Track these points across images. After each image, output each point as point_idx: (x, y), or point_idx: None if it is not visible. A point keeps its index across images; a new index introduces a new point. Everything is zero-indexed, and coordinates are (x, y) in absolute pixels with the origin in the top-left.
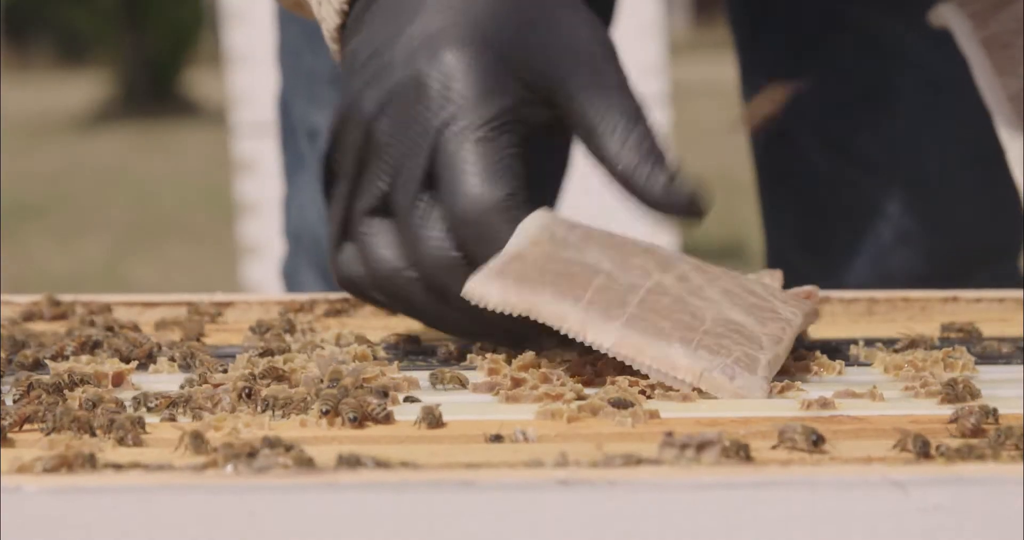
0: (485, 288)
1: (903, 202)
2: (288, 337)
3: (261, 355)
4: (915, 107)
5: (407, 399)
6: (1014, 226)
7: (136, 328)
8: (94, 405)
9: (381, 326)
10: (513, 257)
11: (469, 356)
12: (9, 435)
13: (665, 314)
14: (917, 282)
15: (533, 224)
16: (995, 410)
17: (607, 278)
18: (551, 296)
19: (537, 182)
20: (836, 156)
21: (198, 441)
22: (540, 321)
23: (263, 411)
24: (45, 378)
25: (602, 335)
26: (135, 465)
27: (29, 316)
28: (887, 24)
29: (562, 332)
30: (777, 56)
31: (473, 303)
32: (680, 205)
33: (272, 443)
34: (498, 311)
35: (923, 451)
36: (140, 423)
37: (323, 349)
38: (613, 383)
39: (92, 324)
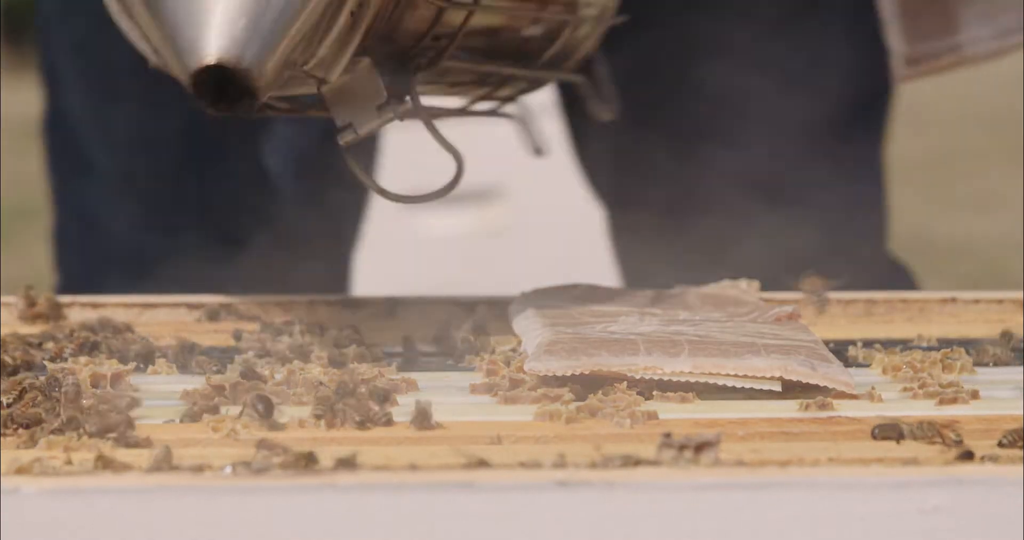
0: (545, 364)
1: None
2: (287, 338)
3: (258, 356)
4: None
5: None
6: None
7: (135, 330)
8: (92, 406)
9: (380, 327)
10: (550, 342)
11: (468, 357)
12: (8, 436)
13: (717, 341)
14: None
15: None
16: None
17: (643, 335)
18: (609, 353)
19: None
20: None
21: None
22: (609, 372)
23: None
24: (41, 379)
25: (677, 364)
26: (134, 466)
27: (30, 317)
28: None
29: (637, 375)
30: None
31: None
32: None
33: (270, 444)
34: (567, 374)
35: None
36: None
37: (320, 353)
38: (612, 385)
39: (91, 326)
